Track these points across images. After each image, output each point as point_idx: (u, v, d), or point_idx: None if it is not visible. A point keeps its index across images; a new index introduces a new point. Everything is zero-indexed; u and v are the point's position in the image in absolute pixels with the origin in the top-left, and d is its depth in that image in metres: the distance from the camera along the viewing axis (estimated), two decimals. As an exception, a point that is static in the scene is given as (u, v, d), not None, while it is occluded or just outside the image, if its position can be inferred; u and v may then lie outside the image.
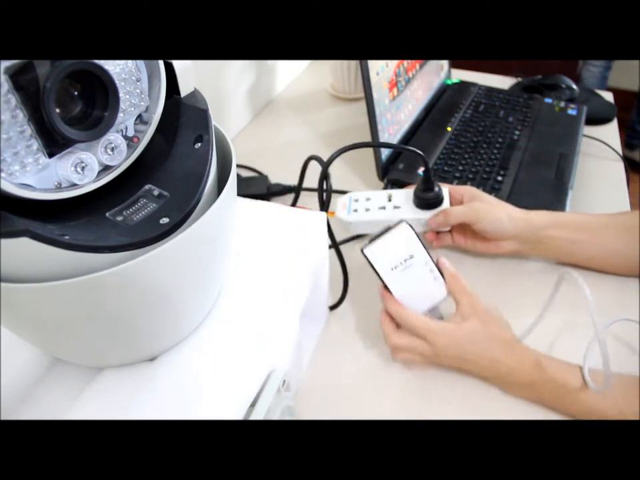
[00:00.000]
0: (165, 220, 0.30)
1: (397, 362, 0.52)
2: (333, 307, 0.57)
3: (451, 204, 0.59)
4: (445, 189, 0.59)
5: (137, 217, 0.31)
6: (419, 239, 0.48)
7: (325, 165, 0.53)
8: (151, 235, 0.29)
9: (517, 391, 0.48)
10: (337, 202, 0.61)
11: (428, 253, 0.48)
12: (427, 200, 0.57)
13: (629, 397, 0.43)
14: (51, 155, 0.28)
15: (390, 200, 0.60)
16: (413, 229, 0.47)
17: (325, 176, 0.53)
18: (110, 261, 0.28)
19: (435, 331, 0.47)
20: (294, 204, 0.70)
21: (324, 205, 0.54)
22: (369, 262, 0.47)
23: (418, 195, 0.58)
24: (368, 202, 0.60)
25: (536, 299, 0.58)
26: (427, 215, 0.58)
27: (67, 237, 0.27)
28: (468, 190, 0.59)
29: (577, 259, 0.48)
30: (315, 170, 0.63)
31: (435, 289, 0.49)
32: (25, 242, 0.25)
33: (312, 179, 0.68)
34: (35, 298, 0.28)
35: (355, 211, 0.59)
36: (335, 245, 0.53)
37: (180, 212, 0.31)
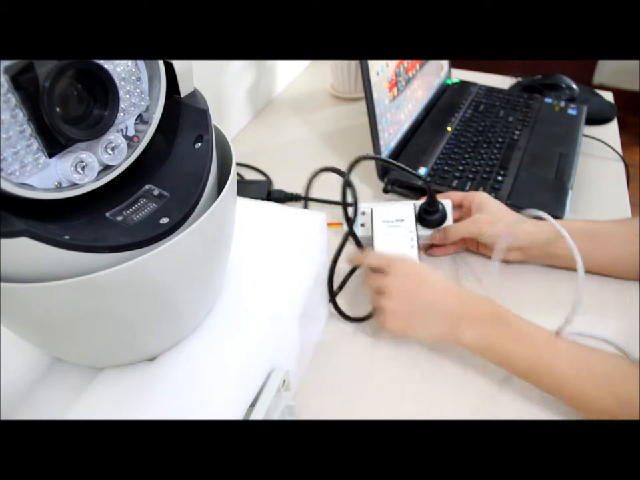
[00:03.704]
0: (165, 220, 0.30)
1: (368, 285, 0.53)
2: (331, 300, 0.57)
3: (462, 211, 0.62)
4: (448, 203, 0.61)
5: (137, 217, 0.31)
6: (415, 221, 0.58)
7: (346, 176, 0.52)
8: (151, 234, 0.29)
9: (471, 330, 0.46)
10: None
11: (416, 231, 0.57)
12: (430, 221, 0.60)
13: (586, 364, 0.43)
14: (51, 155, 0.28)
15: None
16: (415, 211, 0.59)
17: (348, 184, 0.52)
18: (110, 261, 0.28)
19: (405, 256, 0.52)
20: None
21: (349, 221, 0.53)
22: (371, 216, 0.59)
23: (422, 214, 0.60)
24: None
25: (537, 299, 0.58)
26: (429, 231, 0.61)
27: (66, 237, 0.27)
28: (478, 198, 0.60)
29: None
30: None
31: (407, 254, 0.56)
32: (24, 242, 0.25)
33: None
34: (35, 298, 0.28)
35: (362, 225, 0.62)
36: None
37: (180, 212, 0.31)
